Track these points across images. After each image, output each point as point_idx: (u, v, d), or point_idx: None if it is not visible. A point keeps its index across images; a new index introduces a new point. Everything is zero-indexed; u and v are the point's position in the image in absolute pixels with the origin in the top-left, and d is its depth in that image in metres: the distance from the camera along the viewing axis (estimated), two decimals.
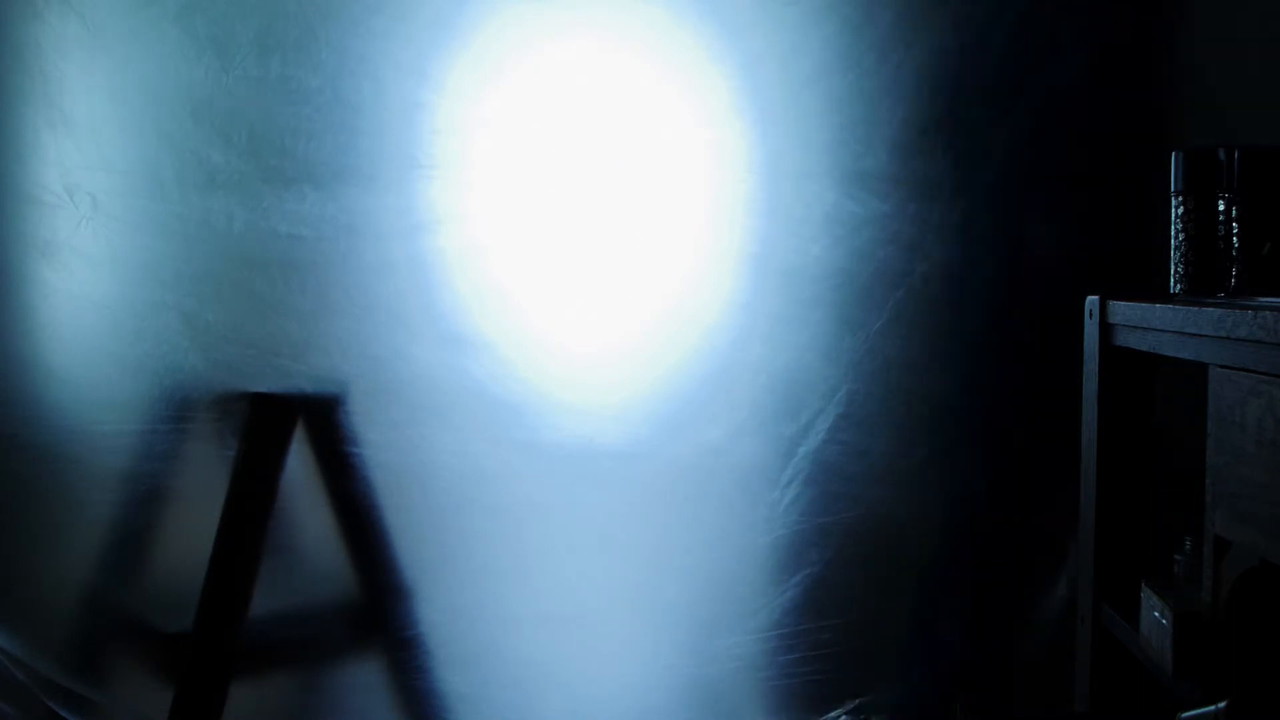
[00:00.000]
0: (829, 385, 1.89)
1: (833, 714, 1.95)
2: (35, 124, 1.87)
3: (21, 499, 1.92)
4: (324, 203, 1.88)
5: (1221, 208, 1.40)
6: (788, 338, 1.90)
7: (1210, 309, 1.21)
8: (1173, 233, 1.44)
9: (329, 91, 1.87)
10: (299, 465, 1.91)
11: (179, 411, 1.90)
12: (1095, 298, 1.54)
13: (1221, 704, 1.15)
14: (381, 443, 1.92)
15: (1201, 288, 1.41)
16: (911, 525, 1.92)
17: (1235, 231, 1.39)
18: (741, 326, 1.90)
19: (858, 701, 1.95)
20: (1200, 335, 1.24)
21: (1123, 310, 1.48)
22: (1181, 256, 1.43)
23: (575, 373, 1.93)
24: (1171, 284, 1.45)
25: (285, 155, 1.88)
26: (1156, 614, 1.29)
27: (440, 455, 1.92)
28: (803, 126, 1.87)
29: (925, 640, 1.96)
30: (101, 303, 1.88)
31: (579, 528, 1.94)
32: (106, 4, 1.85)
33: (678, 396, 1.92)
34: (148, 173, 1.87)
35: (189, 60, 1.86)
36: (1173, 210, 1.44)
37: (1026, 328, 1.86)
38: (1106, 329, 1.52)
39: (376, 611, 1.94)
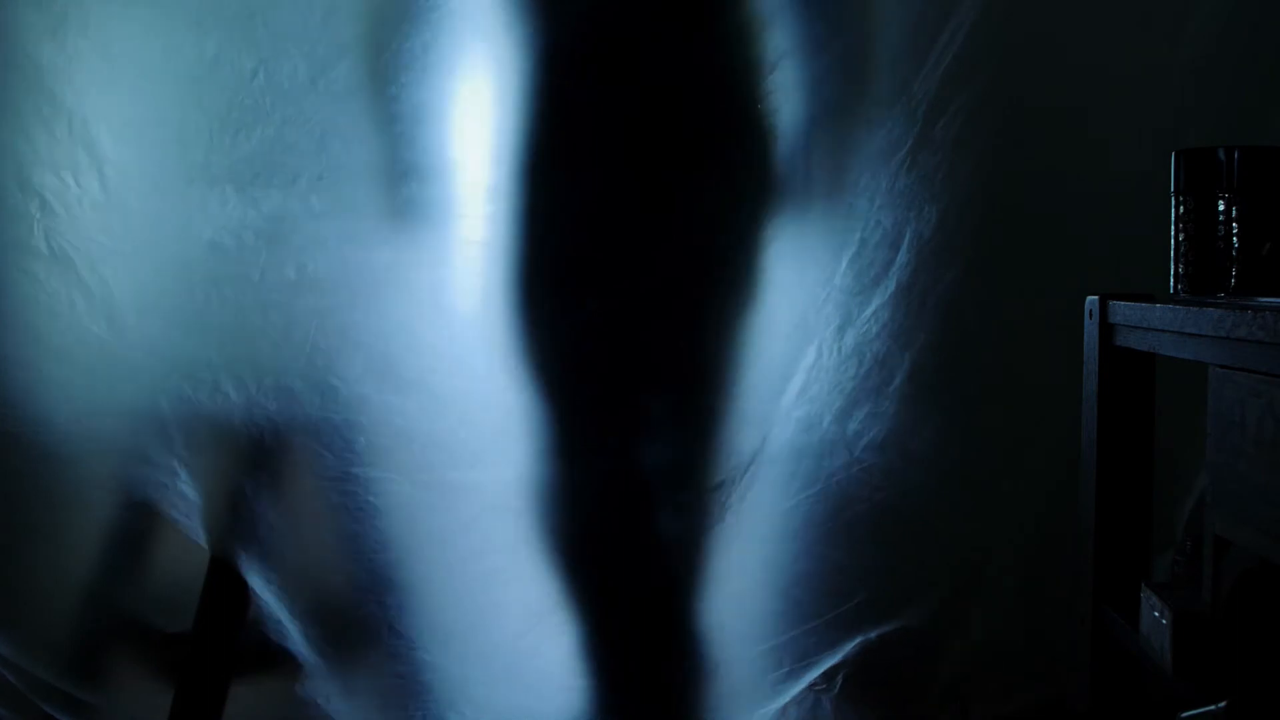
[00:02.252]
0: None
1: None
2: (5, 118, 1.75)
3: (16, 499, 1.87)
4: (244, 207, 1.74)
5: (1221, 208, 1.40)
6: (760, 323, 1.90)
7: (1210, 309, 1.21)
8: (1173, 233, 1.44)
9: (262, 75, 1.74)
10: (296, 471, 1.89)
11: (173, 415, 1.83)
12: (1095, 298, 1.54)
13: (1221, 704, 1.15)
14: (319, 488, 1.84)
15: (1201, 288, 1.41)
16: (874, 500, 1.92)
17: (1235, 231, 1.39)
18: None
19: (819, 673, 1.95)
20: (1200, 335, 1.24)
21: (1123, 310, 1.48)
22: (1181, 256, 1.43)
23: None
24: (1171, 284, 1.45)
25: (211, 150, 1.74)
26: (1156, 614, 1.29)
27: (372, 499, 1.85)
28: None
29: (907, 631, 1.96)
30: (74, 303, 1.79)
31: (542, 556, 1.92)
32: None
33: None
34: (91, 168, 1.75)
35: (138, 44, 1.74)
36: (1173, 210, 1.44)
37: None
38: (1107, 329, 1.52)
39: (375, 612, 1.94)
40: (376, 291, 1.80)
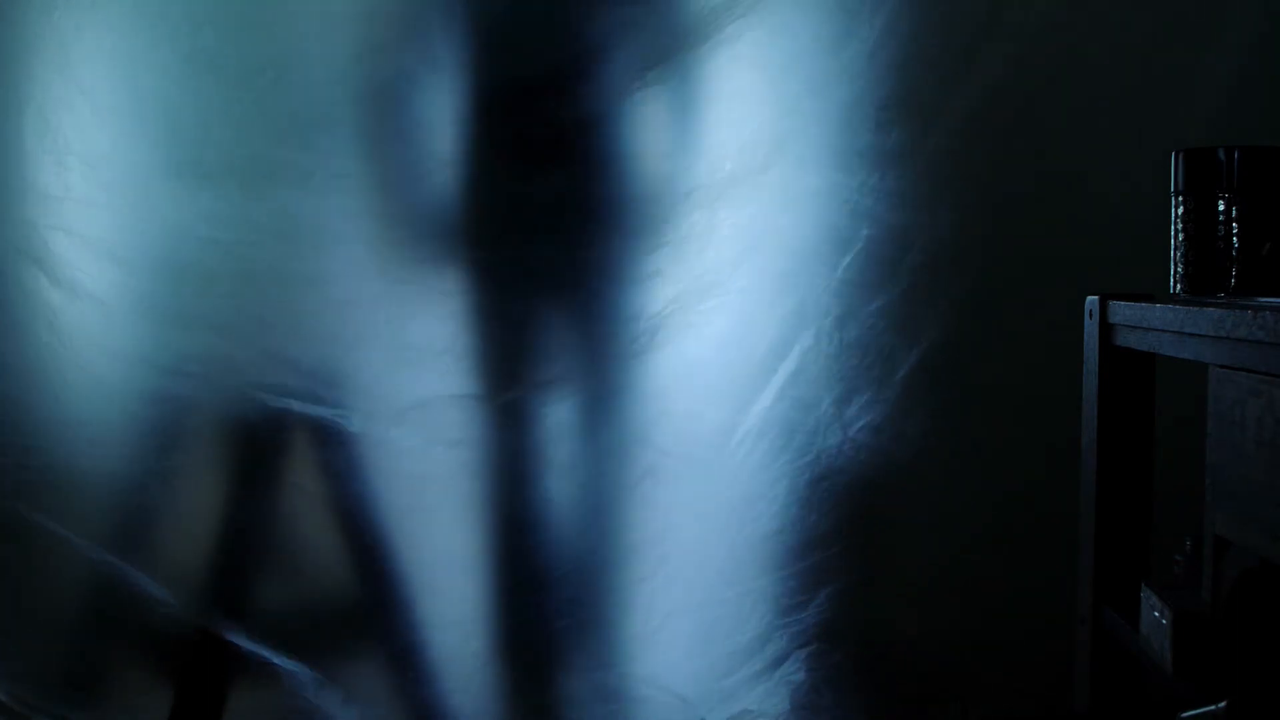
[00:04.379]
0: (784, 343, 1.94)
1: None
2: None
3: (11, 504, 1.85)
4: (249, 203, 1.74)
5: (1221, 208, 1.40)
6: (756, 308, 1.94)
7: (1210, 309, 1.21)
8: (1173, 233, 1.44)
9: (271, 72, 1.74)
10: (296, 466, 1.90)
11: (167, 416, 1.84)
12: (1095, 298, 1.54)
13: (1221, 704, 1.15)
14: (339, 460, 1.87)
15: (1201, 288, 1.41)
16: (857, 471, 1.97)
17: (1235, 231, 1.39)
18: (717, 303, 1.94)
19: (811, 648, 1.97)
20: (1200, 335, 1.24)
21: (1123, 310, 1.48)
22: (1181, 256, 1.43)
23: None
24: (1171, 284, 1.45)
25: (207, 146, 1.73)
26: (1156, 614, 1.29)
27: (395, 463, 1.88)
28: (780, 109, 1.90)
29: (881, 588, 2.00)
30: (41, 303, 1.78)
31: (543, 515, 1.95)
32: None
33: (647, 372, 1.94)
34: (49, 163, 1.72)
35: (112, 33, 1.71)
36: (1173, 210, 1.44)
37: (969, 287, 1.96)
38: (1106, 329, 1.52)
39: (374, 611, 1.94)
40: (392, 281, 1.84)
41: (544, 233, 1.90)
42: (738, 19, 1.88)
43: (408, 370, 1.87)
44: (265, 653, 1.90)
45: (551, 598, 1.96)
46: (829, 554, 1.98)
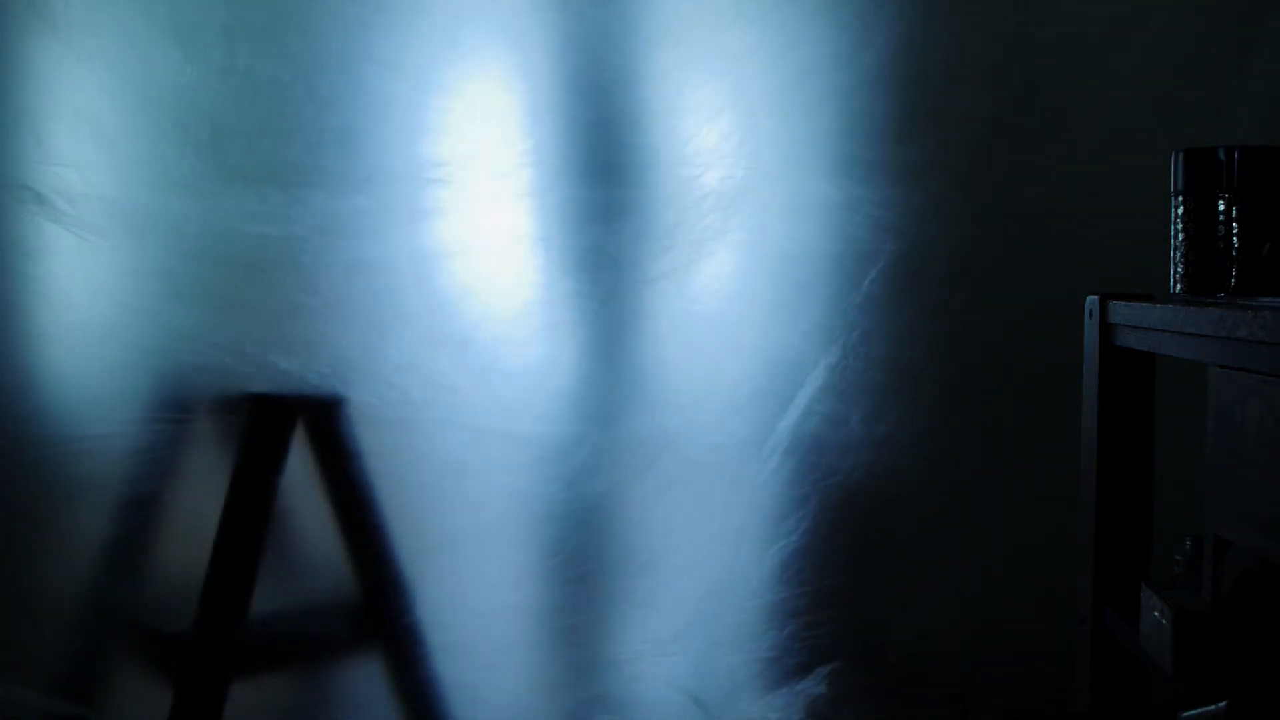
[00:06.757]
0: (810, 359, 1.95)
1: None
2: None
3: (9, 509, 1.84)
4: (289, 205, 1.82)
5: (1221, 208, 1.40)
6: (777, 318, 1.95)
7: (1210, 309, 1.21)
8: (1173, 233, 1.44)
9: (300, 86, 1.82)
10: (297, 464, 1.90)
11: (167, 413, 1.85)
12: (1095, 298, 1.54)
13: (1221, 704, 1.15)
14: (362, 439, 1.90)
15: (1201, 288, 1.41)
16: (886, 490, 1.98)
17: (1235, 231, 1.39)
18: (735, 310, 1.94)
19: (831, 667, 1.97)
20: (1200, 335, 1.24)
21: (1123, 310, 1.48)
22: (1181, 256, 1.43)
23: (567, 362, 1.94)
24: (1171, 284, 1.45)
25: (249, 154, 1.82)
26: (1156, 614, 1.29)
27: (420, 447, 1.91)
28: (792, 119, 1.91)
29: (904, 607, 2.02)
30: (69, 305, 1.82)
31: (567, 512, 1.96)
32: None
33: (671, 379, 1.96)
34: (105, 169, 1.79)
35: (148, 49, 1.78)
36: (1173, 210, 1.44)
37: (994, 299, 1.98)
38: (1106, 329, 1.52)
39: (374, 608, 1.94)
40: (423, 273, 1.89)
41: (560, 231, 1.92)
42: (749, 27, 1.89)
43: (435, 358, 1.89)
44: (266, 649, 1.90)
45: (573, 594, 1.97)
46: (857, 574, 1.99)
